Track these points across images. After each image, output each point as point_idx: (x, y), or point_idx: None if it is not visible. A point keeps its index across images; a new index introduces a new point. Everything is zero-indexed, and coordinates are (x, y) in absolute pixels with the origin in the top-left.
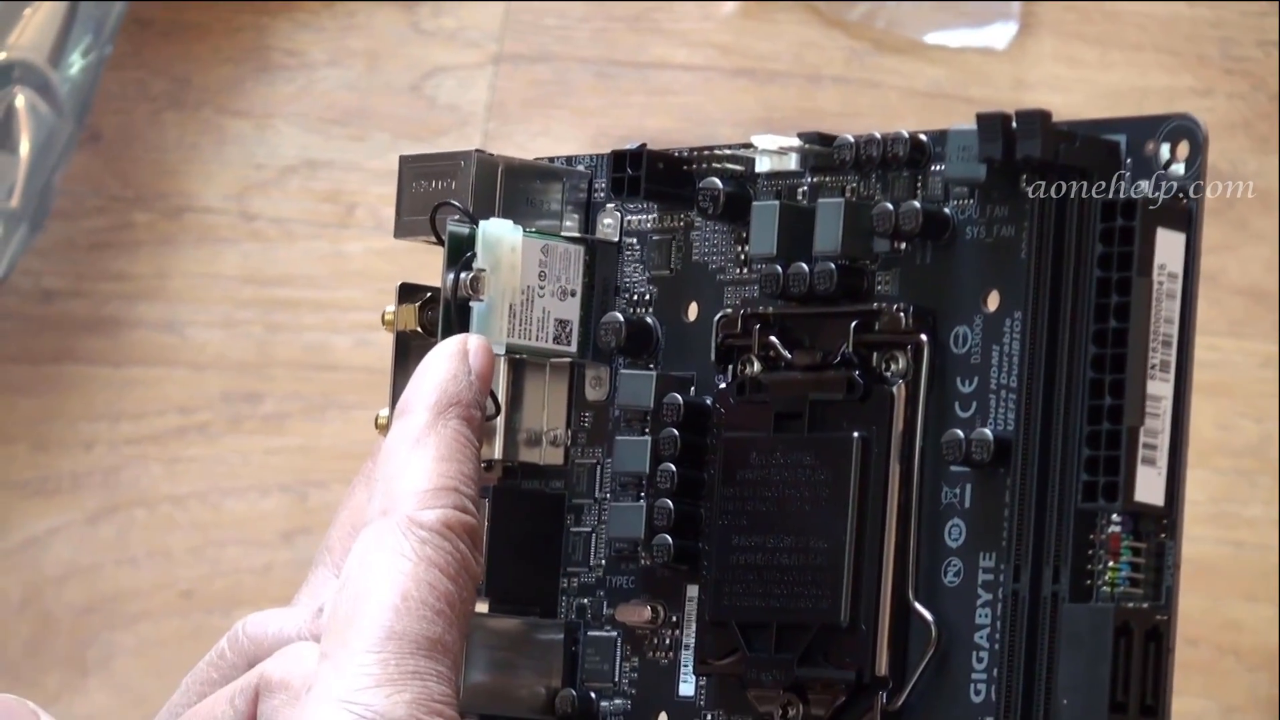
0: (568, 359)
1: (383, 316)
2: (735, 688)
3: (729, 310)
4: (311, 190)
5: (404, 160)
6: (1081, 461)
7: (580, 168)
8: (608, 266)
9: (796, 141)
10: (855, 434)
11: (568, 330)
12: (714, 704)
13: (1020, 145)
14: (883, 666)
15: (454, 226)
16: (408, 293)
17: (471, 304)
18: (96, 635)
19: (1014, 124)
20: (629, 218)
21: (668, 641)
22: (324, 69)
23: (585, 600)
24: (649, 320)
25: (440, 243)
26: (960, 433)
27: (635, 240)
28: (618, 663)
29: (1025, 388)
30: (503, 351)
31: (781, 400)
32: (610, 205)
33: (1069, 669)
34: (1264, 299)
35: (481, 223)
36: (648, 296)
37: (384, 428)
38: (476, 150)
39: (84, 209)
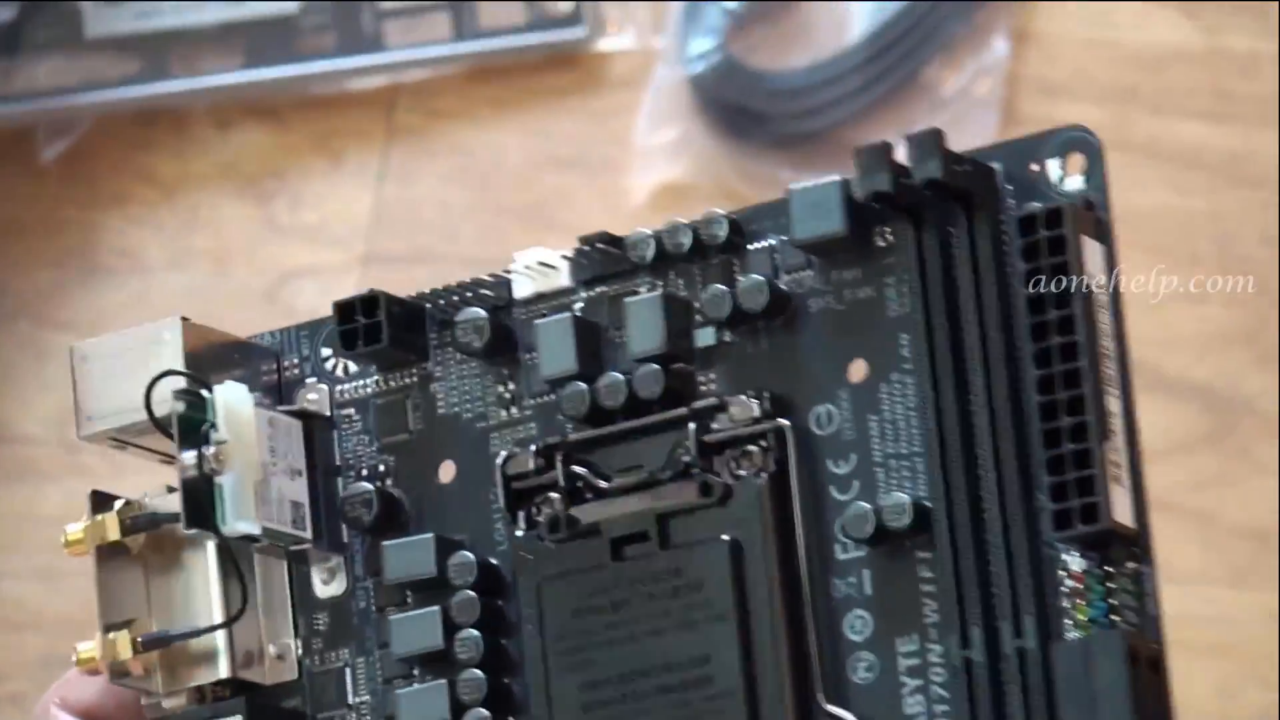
0: (305, 545)
1: (65, 539)
2: None
3: (516, 451)
4: None
5: (77, 350)
6: (1046, 490)
7: (263, 343)
8: (323, 445)
9: (562, 252)
10: (725, 538)
11: (301, 514)
12: None
13: (918, 168)
14: None
15: (177, 400)
16: (102, 502)
17: (218, 480)
18: None
19: (908, 147)
20: (339, 388)
21: None
22: (163, 272)
23: None
24: (393, 492)
25: (158, 425)
26: (866, 505)
27: (353, 410)
28: None
29: (938, 443)
30: (258, 532)
31: (619, 524)
32: (311, 380)
33: (1075, 715)
34: (1269, 540)
35: (216, 388)
36: (381, 468)
37: (85, 662)
38: (181, 316)
39: None
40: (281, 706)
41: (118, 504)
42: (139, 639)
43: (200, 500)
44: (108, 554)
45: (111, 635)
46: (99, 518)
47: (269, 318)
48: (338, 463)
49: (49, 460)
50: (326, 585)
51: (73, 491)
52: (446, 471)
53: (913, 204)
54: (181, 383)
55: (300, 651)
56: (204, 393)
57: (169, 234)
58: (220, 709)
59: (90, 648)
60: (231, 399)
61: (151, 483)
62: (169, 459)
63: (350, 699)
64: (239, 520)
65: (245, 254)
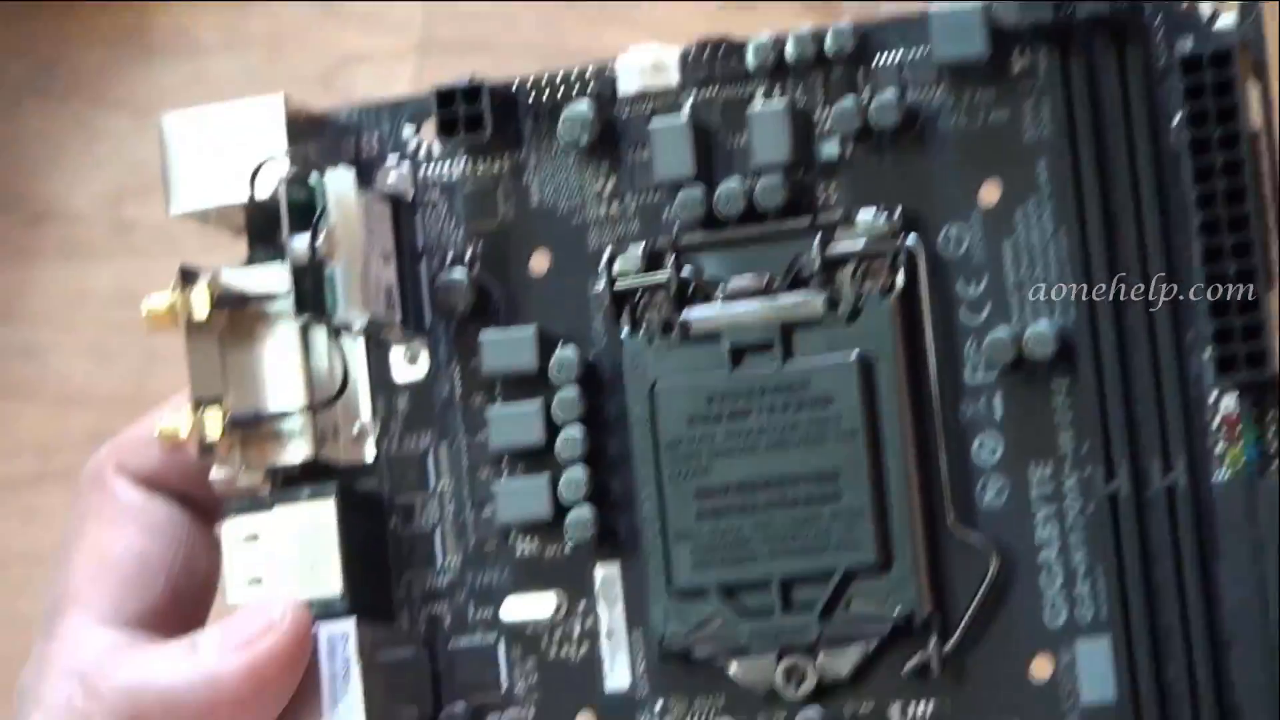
0: (402, 332)
1: (148, 312)
2: (698, 666)
3: (621, 249)
4: None
5: (170, 123)
6: (1210, 334)
7: (341, 120)
8: (406, 227)
9: (674, 51)
10: (854, 355)
11: (393, 299)
12: (665, 689)
13: (1085, 3)
14: (927, 605)
15: (287, 186)
16: (191, 277)
17: (328, 268)
18: None
19: None
20: (423, 169)
21: (576, 633)
22: (218, 55)
23: (439, 607)
24: (483, 279)
25: (260, 209)
26: (1005, 333)
27: (438, 192)
28: (505, 670)
29: (1083, 274)
30: (365, 320)
31: (741, 332)
32: (392, 159)
33: (1238, 559)
34: None
35: (327, 173)
36: (467, 254)
37: (169, 437)
38: (284, 94)
39: None
40: (358, 488)
41: (204, 279)
42: (227, 417)
43: (309, 288)
44: (193, 330)
45: (201, 413)
46: (187, 293)
47: (323, 103)
48: (420, 245)
49: (100, 239)
50: (408, 369)
51: (123, 270)
52: (539, 263)
53: (1060, 32)
54: (286, 166)
55: (377, 434)
56: (312, 178)
57: (224, 16)
58: (315, 491)
59: (174, 423)
60: (340, 185)
61: (208, 260)
62: (251, 235)
63: (431, 484)
64: (350, 309)
65: (300, 38)
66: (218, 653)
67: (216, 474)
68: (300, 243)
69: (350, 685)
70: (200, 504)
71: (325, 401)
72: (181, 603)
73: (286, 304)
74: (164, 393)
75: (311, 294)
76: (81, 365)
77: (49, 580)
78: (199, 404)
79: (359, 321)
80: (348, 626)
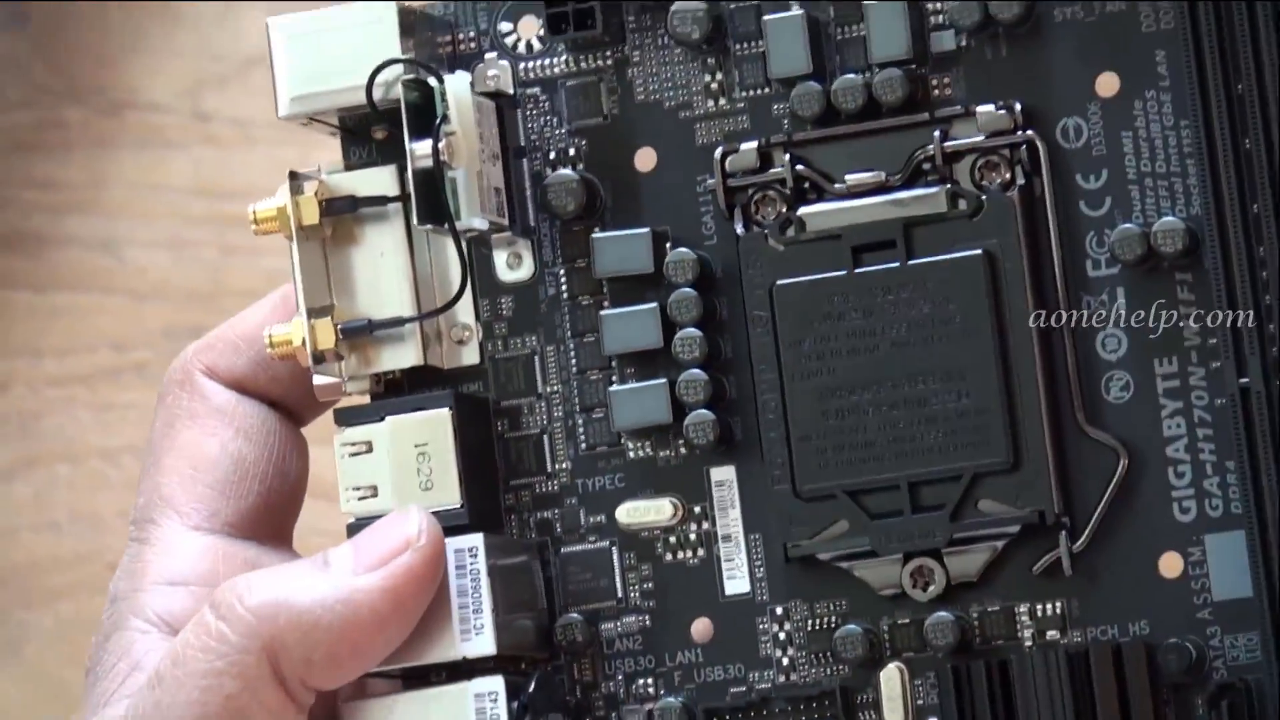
0: (505, 233)
1: (254, 217)
2: (821, 570)
3: (734, 145)
4: None
5: (278, 26)
6: None
7: (437, 14)
8: (509, 125)
9: None
10: (980, 250)
11: (500, 200)
12: (786, 593)
13: None
14: (1057, 503)
15: (408, 91)
16: (294, 181)
17: (450, 174)
18: (7, 615)
19: None
20: (523, 65)
21: (692, 537)
22: None
23: (548, 514)
24: (589, 177)
25: (377, 115)
26: (1134, 227)
27: (539, 90)
28: (619, 575)
29: (1206, 163)
30: (486, 226)
31: (863, 230)
32: (490, 55)
33: None
34: None
35: (447, 78)
36: (572, 152)
37: (280, 346)
38: None
39: (5, 102)
40: (464, 393)
41: (310, 186)
42: (339, 326)
43: (432, 194)
44: (302, 236)
45: (314, 322)
46: (296, 198)
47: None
48: (522, 143)
49: (177, 129)
50: (512, 270)
51: (201, 161)
52: (645, 160)
53: None
54: (401, 69)
55: (481, 336)
56: (432, 82)
57: None
58: (429, 399)
59: (286, 333)
60: (458, 89)
61: (285, 152)
62: (350, 133)
63: (540, 388)
64: (473, 216)
65: None
66: (354, 571)
67: (320, 381)
68: (423, 149)
69: (480, 600)
70: (288, 407)
71: (444, 306)
72: (274, 508)
73: (393, 208)
74: (240, 286)
75: (434, 201)
76: (157, 258)
77: (138, 483)
78: (310, 313)
79: (480, 227)
80: (475, 540)
